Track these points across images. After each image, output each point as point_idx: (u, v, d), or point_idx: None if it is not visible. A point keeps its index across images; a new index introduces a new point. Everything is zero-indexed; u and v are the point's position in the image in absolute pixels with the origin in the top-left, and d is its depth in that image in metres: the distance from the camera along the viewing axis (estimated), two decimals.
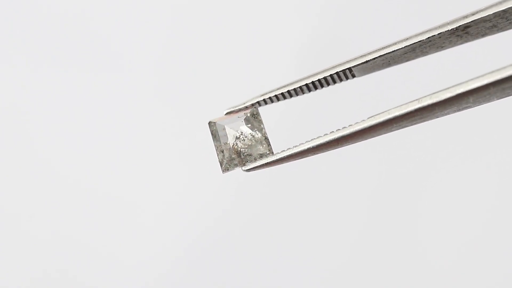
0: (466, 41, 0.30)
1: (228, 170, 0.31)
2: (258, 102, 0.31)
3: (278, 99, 0.31)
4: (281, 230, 0.67)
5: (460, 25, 0.29)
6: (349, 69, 0.31)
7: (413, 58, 0.31)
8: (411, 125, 0.29)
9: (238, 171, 0.31)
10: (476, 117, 0.61)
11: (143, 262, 0.67)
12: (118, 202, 0.67)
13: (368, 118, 0.29)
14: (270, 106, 0.32)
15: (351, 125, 0.29)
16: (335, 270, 0.65)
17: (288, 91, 0.31)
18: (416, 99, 0.28)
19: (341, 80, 0.31)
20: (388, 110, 0.29)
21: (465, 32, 0.29)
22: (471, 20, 0.29)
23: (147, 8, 0.66)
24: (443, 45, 0.30)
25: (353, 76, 0.31)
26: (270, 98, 0.31)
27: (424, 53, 0.30)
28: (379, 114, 0.29)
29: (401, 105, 0.29)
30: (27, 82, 0.66)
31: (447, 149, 0.66)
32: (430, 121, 0.30)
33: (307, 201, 0.67)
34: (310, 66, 0.64)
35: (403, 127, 0.29)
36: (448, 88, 0.28)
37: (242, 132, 0.31)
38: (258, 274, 0.66)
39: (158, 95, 0.66)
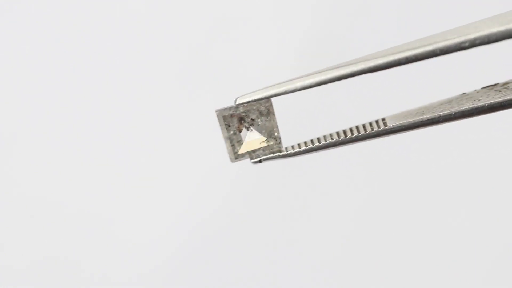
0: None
1: (236, 160, 0.31)
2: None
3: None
4: (278, 223, 0.65)
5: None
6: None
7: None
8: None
9: (245, 162, 0.31)
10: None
11: (140, 253, 0.65)
12: (116, 195, 0.66)
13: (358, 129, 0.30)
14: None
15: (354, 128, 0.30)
16: (330, 263, 0.65)
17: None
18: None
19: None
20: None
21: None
22: None
23: (149, 9, 0.66)
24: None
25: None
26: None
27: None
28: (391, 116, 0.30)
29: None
30: (30, 81, 0.66)
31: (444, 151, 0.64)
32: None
33: (305, 197, 0.65)
34: (309, 63, 0.65)
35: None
36: None
37: (252, 124, 0.30)
38: (255, 265, 0.65)
39: (157, 93, 0.66)
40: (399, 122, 0.30)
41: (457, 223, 0.66)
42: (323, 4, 0.65)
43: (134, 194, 0.67)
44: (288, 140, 0.32)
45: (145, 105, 0.66)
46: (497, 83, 0.30)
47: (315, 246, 0.66)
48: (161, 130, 0.66)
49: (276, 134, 0.31)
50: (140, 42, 0.66)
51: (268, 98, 0.30)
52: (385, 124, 0.30)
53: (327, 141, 0.30)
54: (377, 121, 0.31)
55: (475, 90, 0.31)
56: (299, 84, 0.30)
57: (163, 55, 0.66)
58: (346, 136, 0.30)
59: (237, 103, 0.30)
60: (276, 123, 0.31)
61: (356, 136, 0.30)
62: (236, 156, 0.31)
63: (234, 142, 0.31)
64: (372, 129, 0.30)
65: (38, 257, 0.66)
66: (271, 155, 0.31)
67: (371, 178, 0.66)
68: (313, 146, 0.30)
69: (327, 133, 0.30)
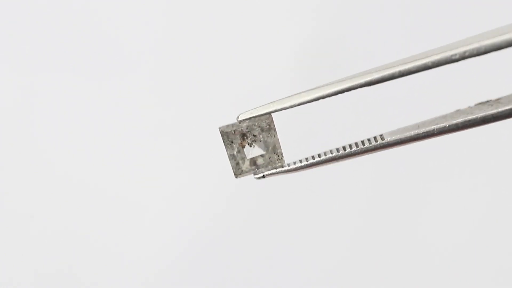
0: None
1: (240, 176, 0.32)
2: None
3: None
4: (280, 228, 0.65)
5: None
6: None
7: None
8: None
9: (249, 177, 0.32)
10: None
11: (144, 258, 0.65)
12: (120, 200, 0.66)
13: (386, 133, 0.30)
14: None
15: (362, 141, 0.31)
16: (333, 269, 0.64)
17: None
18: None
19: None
20: (405, 127, 0.30)
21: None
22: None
23: (148, 12, 0.67)
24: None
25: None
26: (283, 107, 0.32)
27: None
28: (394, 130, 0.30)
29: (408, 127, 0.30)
30: (32, 83, 0.66)
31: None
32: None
33: (306, 202, 0.65)
34: (309, 65, 0.65)
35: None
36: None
37: (255, 140, 0.31)
38: (256, 271, 0.65)
39: (157, 98, 0.66)
40: (396, 136, 0.30)
41: (458, 227, 0.66)
42: (323, 6, 0.66)
43: (136, 201, 0.67)
44: (290, 155, 0.32)
45: (147, 111, 0.66)
46: (490, 99, 0.31)
47: (318, 252, 0.66)
48: (164, 135, 0.66)
49: (278, 149, 0.32)
50: (141, 44, 0.67)
51: (269, 114, 0.31)
52: (382, 139, 0.31)
53: (328, 156, 0.31)
54: (375, 137, 0.32)
55: (469, 106, 0.31)
56: (298, 99, 0.31)
57: (163, 58, 0.66)
58: (345, 151, 0.31)
59: (239, 119, 0.31)
60: (277, 138, 0.32)
61: (355, 151, 0.31)
62: (240, 172, 0.32)
63: (237, 159, 0.32)
64: (371, 143, 0.31)
65: (41, 266, 0.66)
66: (274, 170, 0.32)
67: (372, 184, 0.66)
68: (314, 161, 0.31)
69: (327, 148, 0.31)
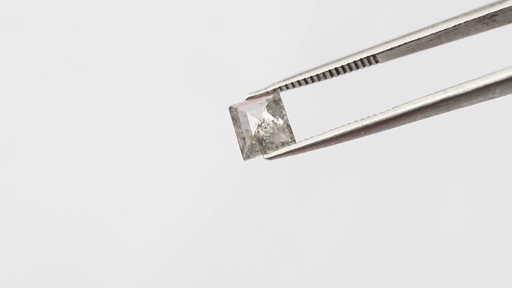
0: (493, 28, 0.30)
1: (249, 157, 0.30)
2: (280, 87, 0.31)
3: (300, 84, 0.31)
4: (282, 227, 0.66)
5: (487, 14, 0.29)
6: (373, 55, 0.30)
7: (438, 44, 0.31)
8: (436, 114, 0.29)
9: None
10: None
11: (141, 256, 0.66)
12: (118, 197, 0.66)
13: (393, 107, 0.29)
14: (291, 91, 0.32)
15: (376, 114, 0.29)
16: (335, 266, 0.65)
17: (311, 77, 0.31)
18: (442, 90, 0.28)
19: (364, 65, 0.31)
20: (414, 100, 0.29)
21: (491, 20, 0.29)
22: (498, 9, 0.29)
23: (149, 10, 0.66)
24: (469, 32, 0.30)
25: (377, 61, 0.31)
26: (292, 83, 0.31)
27: (449, 39, 0.30)
28: (404, 104, 0.29)
29: (427, 95, 0.29)
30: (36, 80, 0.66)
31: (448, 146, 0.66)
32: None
33: (307, 198, 0.66)
34: (310, 58, 0.65)
35: (428, 117, 0.29)
36: (475, 79, 0.28)
37: (264, 119, 0.30)
38: (256, 270, 0.66)
39: (157, 94, 0.66)
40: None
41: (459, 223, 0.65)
42: (324, 2, 0.65)
43: (134, 198, 0.65)
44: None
45: (146, 106, 0.65)
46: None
47: (319, 249, 0.65)
48: (163, 131, 0.65)
49: (288, 126, 0.30)
50: (141, 43, 0.66)
51: (277, 90, 0.30)
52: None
53: (346, 129, 0.29)
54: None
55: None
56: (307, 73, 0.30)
57: (164, 55, 0.65)
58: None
59: (246, 97, 0.31)
60: (287, 117, 0.30)
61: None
62: (249, 154, 0.30)
63: (246, 139, 0.30)
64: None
65: (38, 262, 0.64)
66: (285, 149, 0.30)
67: (372, 181, 0.65)
68: (328, 136, 0.29)
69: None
